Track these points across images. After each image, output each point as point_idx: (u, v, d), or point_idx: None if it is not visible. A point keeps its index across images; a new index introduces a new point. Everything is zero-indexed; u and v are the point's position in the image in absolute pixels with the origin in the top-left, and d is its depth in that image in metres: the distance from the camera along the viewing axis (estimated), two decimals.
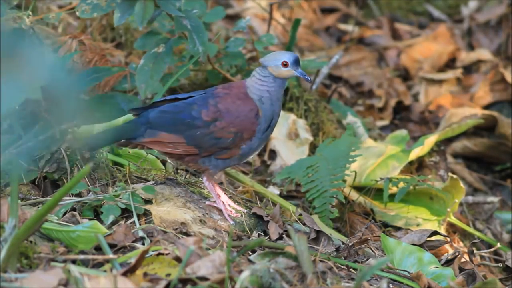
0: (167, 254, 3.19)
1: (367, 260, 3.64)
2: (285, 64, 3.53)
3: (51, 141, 3.67)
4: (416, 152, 4.61)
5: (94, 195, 3.57)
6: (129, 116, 3.82)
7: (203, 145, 3.52)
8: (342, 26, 6.80)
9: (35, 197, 3.62)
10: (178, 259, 3.15)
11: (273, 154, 4.80)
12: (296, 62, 3.52)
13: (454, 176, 4.40)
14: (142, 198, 3.57)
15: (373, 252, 3.72)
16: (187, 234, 3.48)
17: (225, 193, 3.70)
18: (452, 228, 4.56)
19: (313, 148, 4.79)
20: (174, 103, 3.56)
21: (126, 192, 3.56)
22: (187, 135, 3.51)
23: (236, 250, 3.33)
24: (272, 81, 3.53)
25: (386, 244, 3.69)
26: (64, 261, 3.13)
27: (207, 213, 3.61)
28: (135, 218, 3.52)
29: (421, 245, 3.81)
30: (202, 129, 3.51)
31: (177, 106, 3.54)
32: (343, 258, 3.62)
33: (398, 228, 4.39)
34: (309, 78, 3.55)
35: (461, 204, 4.93)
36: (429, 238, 3.87)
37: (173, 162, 4.01)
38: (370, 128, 5.34)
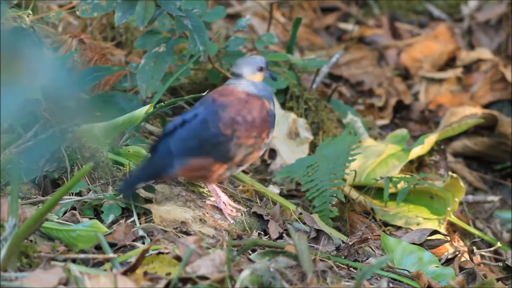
0: (167, 253, 3.19)
1: (367, 259, 3.64)
2: (260, 69, 3.56)
3: (51, 141, 3.67)
4: (416, 151, 4.61)
5: (94, 194, 3.57)
6: (131, 114, 3.81)
7: (230, 157, 3.50)
8: (342, 25, 6.80)
9: (35, 196, 3.62)
10: (178, 258, 3.15)
11: (273, 153, 4.80)
12: (267, 64, 3.58)
13: (454, 175, 4.40)
14: (142, 197, 3.57)
15: (373, 251, 3.72)
16: (187, 233, 3.48)
17: (225, 193, 3.70)
18: (452, 227, 4.56)
19: (313, 147, 4.78)
20: (189, 127, 3.48)
21: None
22: (215, 153, 3.49)
23: (236, 249, 3.33)
24: (255, 83, 3.55)
25: (386, 243, 3.69)
26: (64, 260, 3.13)
27: (207, 212, 3.61)
28: (135, 217, 3.52)
29: (421, 244, 3.81)
30: (226, 143, 3.48)
31: (194, 129, 3.47)
32: (343, 257, 3.62)
33: (398, 227, 4.39)
34: (275, 77, 3.61)
35: (461, 203, 4.93)
36: (429, 237, 3.87)
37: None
38: (370, 127, 5.33)
